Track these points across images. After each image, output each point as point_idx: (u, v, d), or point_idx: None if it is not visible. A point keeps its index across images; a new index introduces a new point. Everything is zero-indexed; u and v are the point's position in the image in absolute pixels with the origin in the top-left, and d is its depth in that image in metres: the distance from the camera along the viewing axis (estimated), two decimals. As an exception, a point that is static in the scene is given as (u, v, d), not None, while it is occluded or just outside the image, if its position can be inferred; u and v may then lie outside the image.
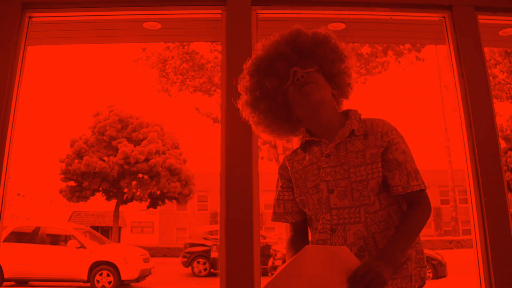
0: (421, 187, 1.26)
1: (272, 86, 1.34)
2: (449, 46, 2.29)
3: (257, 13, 2.25)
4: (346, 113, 1.37)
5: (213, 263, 12.06)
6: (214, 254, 12.14)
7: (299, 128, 1.41)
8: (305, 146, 1.38)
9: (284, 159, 1.46)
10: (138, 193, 17.50)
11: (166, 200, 18.08)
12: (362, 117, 1.36)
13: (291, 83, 1.32)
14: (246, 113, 1.40)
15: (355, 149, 1.28)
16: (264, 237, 11.99)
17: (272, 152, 12.82)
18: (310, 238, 1.40)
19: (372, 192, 1.24)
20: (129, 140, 17.52)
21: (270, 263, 10.72)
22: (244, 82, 1.39)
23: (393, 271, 1.15)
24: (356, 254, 1.20)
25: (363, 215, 1.23)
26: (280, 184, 1.43)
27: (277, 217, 1.44)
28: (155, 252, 18.14)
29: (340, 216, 1.24)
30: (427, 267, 1.36)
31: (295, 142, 1.46)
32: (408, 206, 1.29)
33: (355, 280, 1.05)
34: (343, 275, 1.05)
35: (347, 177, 1.25)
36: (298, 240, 1.38)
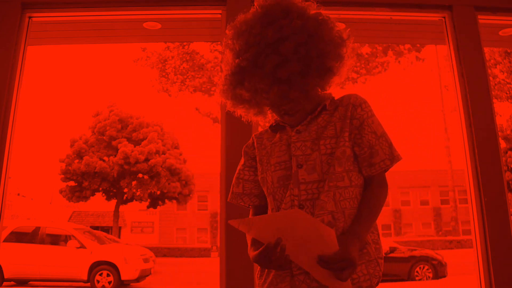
0: (400, 156, 1.22)
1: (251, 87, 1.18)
2: (449, 46, 2.29)
3: (257, 13, 2.25)
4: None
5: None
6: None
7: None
8: (276, 128, 1.31)
9: (252, 137, 1.37)
10: (138, 193, 17.50)
11: (166, 200, 18.09)
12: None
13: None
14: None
15: (324, 122, 1.23)
16: None
17: (272, 152, 12.81)
18: None
19: (336, 161, 1.17)
20: (129, 140, 17.53)
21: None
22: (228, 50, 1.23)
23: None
24: None
25: (326, 184, 1.15)
26: (242, 162, 1.35)
27: (234, 197, 1.34)
28: (155, 252, 18.14)
29: (308, 191, 1.17)
30: (380, 264, 1.23)
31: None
32: (369, 184, 1.22)
33: (328, 262, 1.03)
34: (318, 251, 1.04)
35: (317, 149, 1.19)
36: None
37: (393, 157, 1.21)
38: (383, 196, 1.21)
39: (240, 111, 1.29)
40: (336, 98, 1.29)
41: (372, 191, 1.21)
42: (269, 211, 1.25)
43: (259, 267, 1.24)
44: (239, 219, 1.04)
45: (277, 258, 1.04)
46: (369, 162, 1.20)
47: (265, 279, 1.21)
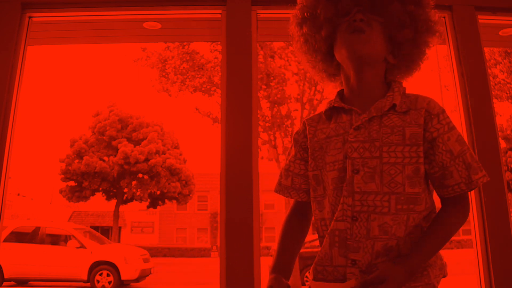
0: (487, 178, 1.05)
1: (325, 13, 1.13)
2: (449, 46, 2.29)
3: (257, 13, 2.25)
4: (389, 84, 1.16)
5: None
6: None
7: (336, 77, 1.23)
8: (332, 113, 1.16)
9: (304, 122, 1.22)
10: (138, 193, 17.51)
11: (166, 200, 18.10)
12: (407, 91, 1.15)
13: (347, 21, 1.11)
14: (291, 27, 1.21)
15: (391, 123, 1.06)
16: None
17: (272, 152, 12.82)
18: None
19: (407, 180, 1.02)
20: (129, 140, 17.52)
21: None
22: None
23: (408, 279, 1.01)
24: (379, 252, 1.01)
25: (393, 206, 1.01)
26: (293, 153, 1.22)
27: (281, 189, 1.24)
28: (155, 252, 18.15)
29: (363, 202, 1.03)
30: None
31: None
32: (446, 204, 1.08)
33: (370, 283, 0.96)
34: None
35: (378, 156, 1.04)
36: (295, 224, 1.22)
37: (471, 181, 1.04)
38: (459, 219, 1.06)
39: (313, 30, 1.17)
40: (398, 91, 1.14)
41: (446, 209, 1.08)
42: (325, 214, 1.12)
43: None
44: None
45: None
46: (441, 183, 1.06)
47: None
